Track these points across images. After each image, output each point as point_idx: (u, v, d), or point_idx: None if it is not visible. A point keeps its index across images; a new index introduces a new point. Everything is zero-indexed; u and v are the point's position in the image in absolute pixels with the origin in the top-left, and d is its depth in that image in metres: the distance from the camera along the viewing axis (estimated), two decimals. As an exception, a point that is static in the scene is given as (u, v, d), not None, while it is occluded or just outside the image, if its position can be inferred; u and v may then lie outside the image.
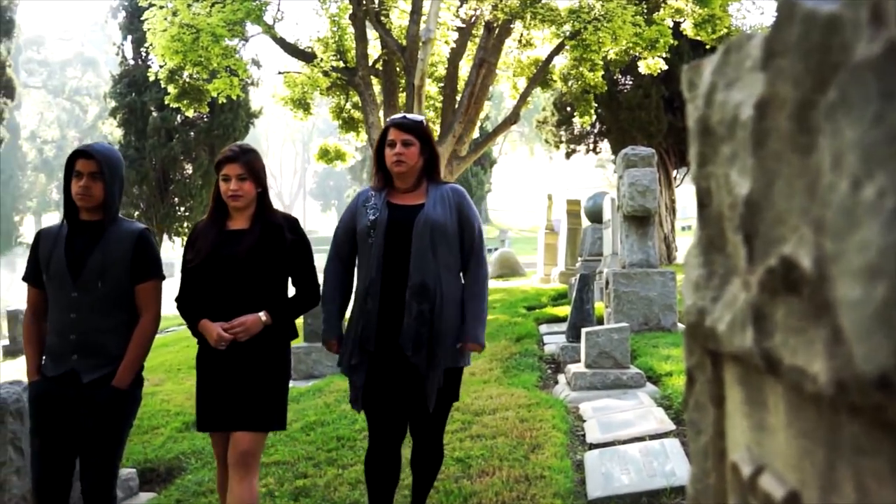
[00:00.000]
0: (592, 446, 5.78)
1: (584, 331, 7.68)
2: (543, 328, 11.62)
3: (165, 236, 28.54)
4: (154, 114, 27.82)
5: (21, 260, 58.00)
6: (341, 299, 4.18)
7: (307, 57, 18.41)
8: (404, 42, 17.26)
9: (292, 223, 4.09)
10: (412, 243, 3.94)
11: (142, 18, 18.28)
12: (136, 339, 3.89)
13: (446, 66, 19.00)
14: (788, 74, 0.64)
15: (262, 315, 3.91)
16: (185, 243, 4.18)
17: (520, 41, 19.48)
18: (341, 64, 18.64)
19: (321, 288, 4.19)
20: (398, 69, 18.37)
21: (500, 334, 10.78)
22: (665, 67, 18.72)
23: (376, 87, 18.41)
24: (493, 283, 20.99)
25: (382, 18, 17.66)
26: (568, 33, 17.15)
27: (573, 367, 7.76)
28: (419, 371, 3.96)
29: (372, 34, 18.45)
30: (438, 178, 4.19)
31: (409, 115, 4.13)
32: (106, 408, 3.80)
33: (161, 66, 18.42)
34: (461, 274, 4.13)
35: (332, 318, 4.18)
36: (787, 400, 0.68)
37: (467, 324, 4.05)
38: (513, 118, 19.24)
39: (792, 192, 0.63)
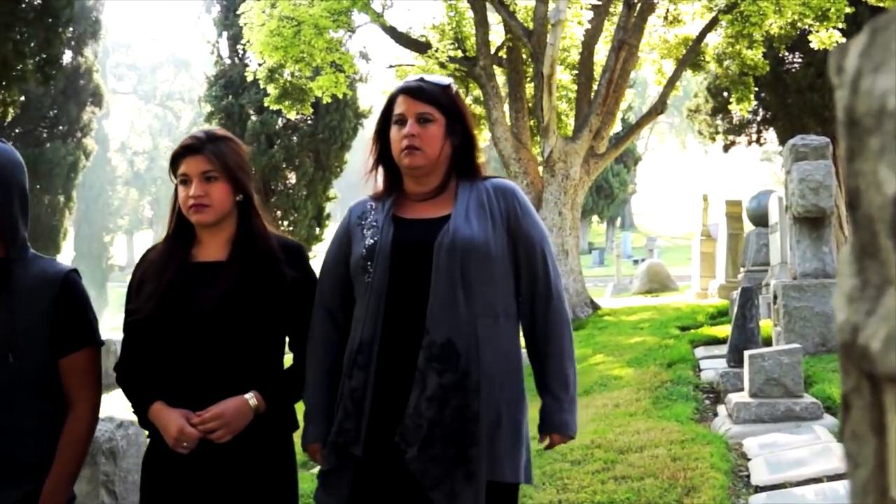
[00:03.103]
0: (759, 489, 5.67)
1: (747, 354, 7.55)
2: (700, 351, 11.45)
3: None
4: (253, 117, 28.67)
5: (115, 287, 59.33)
6: (331, 377, 3.07)
7: (421, 47, 18.68)
8: (531, 25, 17.33)
9: (293, 252, 3.18)
10: (432, 279, 2.90)
11: (238, 13, 18.93)
12: (65, 441, 2.94)
13: (580, 50, 18.97)
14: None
15: (251, 398, 2.97)
16: (129, 283, 3.24)
17: (665, 18, 19.30)
18: (460, 53, 18.85)
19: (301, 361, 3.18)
20: (524, 57, 18.45)
21: (648, 359, 10.69)
22: (842, 40, 18.22)
23: (500, 79, 18.53)
24: (640, 300, 20.82)
25: (506, 0, 17.77)
26: (722, 6, 16.90)
27: (735, 397, 7.63)
28: (435, 488, 2.84)
29: (494, 18, 18.59)
30: (477, 172, 3.17)
31: (427, 76, 3.13)
32: None
33: (259, 65, 19.03)
34: (519, 322, 3.12)
35: (314, 411, 3.09)
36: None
37: (547, 403, 3.09)
38: (659, 107, 19.05)
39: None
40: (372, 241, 3.01)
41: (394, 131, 3.06)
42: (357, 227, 3.12)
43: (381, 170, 3.22)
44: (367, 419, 2.90)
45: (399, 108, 3.05)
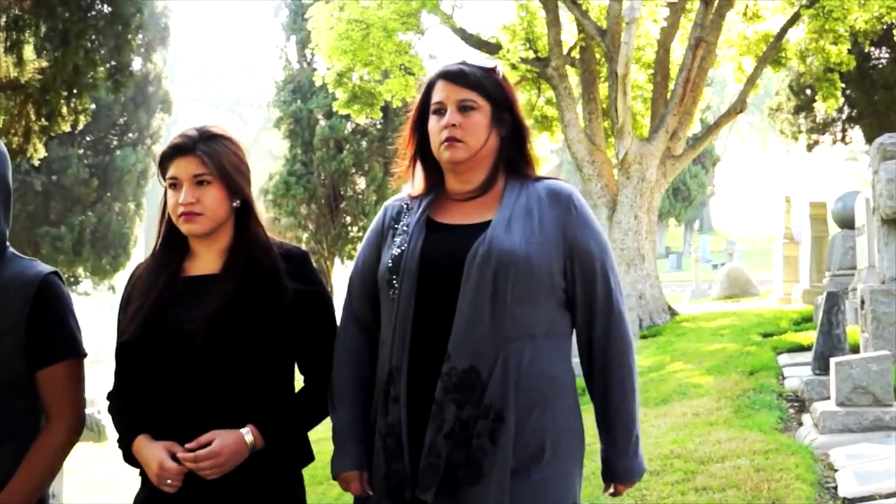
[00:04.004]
0: (846, 501, 5.61)
1: (833, 361, 7.45)
2: (783, 359, 11.31)
3: (337, 261, 29.56)
4: (321, 122, 28.98)
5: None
6: (364, 397, 2.79)
7: (491, 48, 18.72)
8: (605, 24, 17.28)
9: (297, 261, 2.86)
10: (459, 296, 2.61)
11: (305, 17, 19.15)
12: (36, 450, 2.73)
13: (656, 49, 18.86)
14: None
15: (247, 433, 2.68)
16: (120, 300, 2.97)
17: (745, 14, 19.09)
18: (531, 54, 18.86)
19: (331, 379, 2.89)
20: (598, 56, 18.40)
21: (729, 367, 10.58)
22: (929, 35, 17.88)
23: (573, 79, 18.50)
24: (720, 306, 20.60)
25: (578, -2, 17.75)
26: (804, 1, 16.67)
27: (821, 406, 7.53)
28: None
29: (567, 17, 18.57)
30: (529, 168, 2.86)
31: (470, 60, 2.84)
32: None
33: (328, 69, 19.21)
34: (569, 341, 2.80)
35: (345, 432, 2.79)
36: None
37: (609, 448, 2.78)
38: (738, 106, 18.85)
39: None
40: (399, 250, 2.72)
41: (432, 122, 2.78)
42: (390, 231, 2.84)
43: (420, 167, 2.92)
44: (411, 457, 2.61)
45: (438, 96, 2.77)
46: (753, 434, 7.19)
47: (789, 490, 5.69)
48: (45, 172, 25.00)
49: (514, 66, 18.36)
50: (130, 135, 29.04)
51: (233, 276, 2.76)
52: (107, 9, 16.35)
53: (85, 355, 2.84)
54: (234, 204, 2.82)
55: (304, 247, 30.99)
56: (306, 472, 2.94)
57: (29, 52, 14.06)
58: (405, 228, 2.77)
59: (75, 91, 15.60)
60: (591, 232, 2.74)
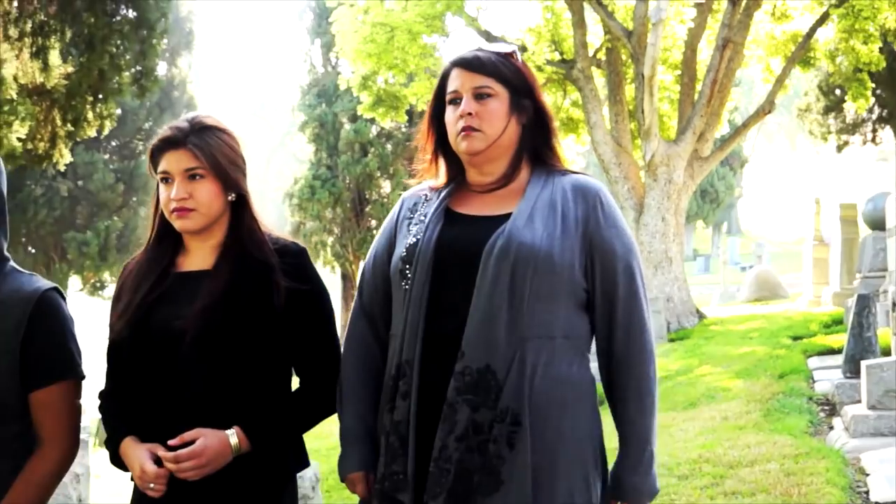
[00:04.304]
0: (879, 506, 5.57)
1: (864, 364, 7.43)
2: (813, 362, 11.25)
3: (362, 264, 29.63)
4: (346, 126, 29.08)
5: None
6: (372, 395, 2.69)
7: (517, 50, 18.72)
8: (631, 25, 17.26)
9: (293, 257, 2.74)
10: (474, 290, 2.50)
11: (330, 20, 19.22)
12: (24, 478, 2.59)
13: (682, 49, 18.81)
14: None
15: (232, 434, 2.58)
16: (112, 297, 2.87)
17: (773, 13, 19.01)
18: (557, 56, 18.86)
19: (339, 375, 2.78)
20: (624, 58, 18.37)
21: (758, 370, 10.55)
22: (961, 33, 17.73)
23: (598, 81, 18.48)
24: (749, 309, 20.52)
25: (604, 0, 17.74)
26: (834, 0, 16.58)
27: (852, 409, 7.50)
28: None
29: (592, 18, 18.55)
30: (555, 158, 2.74)
31: (485, 46, 2.72)
32: None
33: (353, 72, 19.26)
34: (589, 345, 2.65)
35: (351, 431, 2.69)
36: None
37: (619, 461, 2.60)
38: (767, 107, 18.77)
39: None
40: (414, 239, 2.60)
41: (449, 112, 2.65)
42: (405, 222, 2.71)
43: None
44: (413, 461, 2.48)
45: (453, 84, 2.65)
46: (783, 438, 7.17)
47: (820, 495, 5.66)
48: (71, 177, 25.23)
49: (539, 68, 18.37)
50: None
51: (224, 273, 2.66)
52: (132, 13, 16.48)
53: (83, 377, 2.69)
54: (229, 198, 2.73)
55: (328, 251, 31.31)
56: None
57: (54, 57, 14.18)
58: (422, 218, 2.66)
59: (101, 96, 15.74)
60: (616, 230, 2.59)
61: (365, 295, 2.77)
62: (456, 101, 2.62)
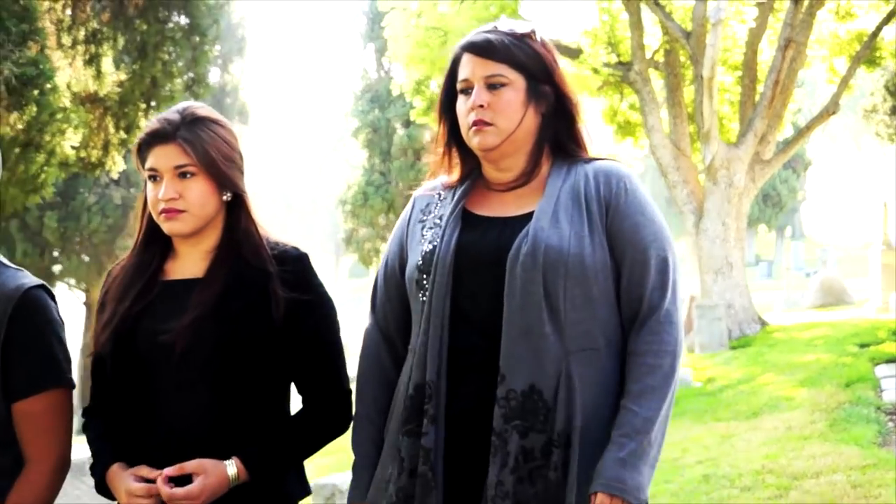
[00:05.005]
0: (950, 519, 5.48)
1: (934, 373, 7.30)
2: (881, 370, 11.09)
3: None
4: (399, 131, 29.27)
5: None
6: (385, 417, 2.52)
7: (572, 53, 18.68)
8: (689, 26, 17.15)
9: (293, 264, 2.51)
10: (504, 303, 2.30)
11: (382, 24, 19.32)
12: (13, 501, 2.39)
13: (743, 50, 18.65)
14: None
15: (231, 465, 2.39)
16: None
17: (836, 12, 18.78)
18: (613, 58, 18.77)
19: (352, 393, 2.59)
20: (683, 59, 18.25)
21: (823, 379, 10.42)
22: None
23: (656, 83, 18.38)
24: (813, 315, 20.28)
25: (661, 0, 17.64)
26: (899, -3, 16.38)
27: (922, 419, 7.39)
28: None
29: (650, 20, 18.47)
30: (580, 149, 2.51)
31: (500, 26, 2.48)
32: None
33: (406, 77, 19.34)
34: (617, 356, 2.41)
35: (368, 458, 2.51)
36: None
37: (607, 450, 2.26)
38: (831, 108, 18.54)
39: None
40: (430, 245, 2.40)
41: (460, 103, 2.44)
42: (418, 225, 2.51)
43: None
44: (443, 493, 2.30)
45: (463, 72, 2.43)
46: (850, 448, 7.09)
47: (888, 507, 5.60)
48: (124, 185, 25.54)
49: (596, 71, 18.32)
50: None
51: (217, 281, 2.44)
52: (184, 20, 16.69)
53: (72, 387, 2.48)
54: (224, 198, 2.51)
55: (381, 258, 31.03)
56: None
57: (107, 65, 14.38)
58: (437, 221, 2.44)
59: (153, 103, 15.93)
60: (641, 218, 2.37)
61: (378, 309, 2.58)
62: (467, 90, 2.42)
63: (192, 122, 2.46)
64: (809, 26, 17.49)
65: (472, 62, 2.40)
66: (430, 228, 2.45)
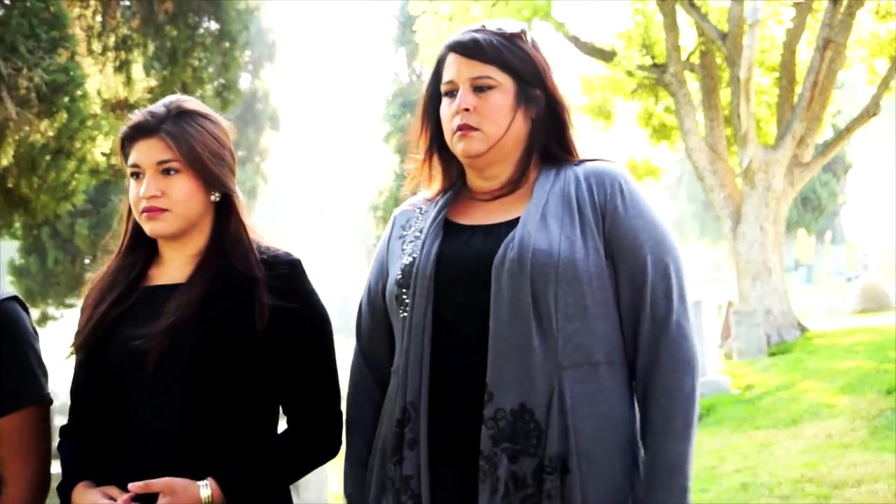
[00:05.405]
0: None
1: (979, 379, 7.23)
2: (924, 377, 11.00)
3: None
4: (431, 136, 29.29)
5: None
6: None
7: (606, 55, 18.67)
8: (725, 27, 17.08)
9: (283, 270, 2.37)
10: (490, 314, 2.15)
11: (414, 28, 19.38)
12: None
13: (781, 51, 18.56)
14: None
15: (205, 487, 2.22)
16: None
17: (876, 12, 18.66)
18: (648, 61, 18.73)
19: (343, 416, 2.45)
20: (719, 61, 18.19)
21: (864, 385, 10.34)
22: None
23: (692, 85, 18.32)
24: (855, 321, 20.13)
25: (697, 1, 17.58)
26: (941, -4, 16.24)
27: (966, 427, 7.32)
28: None
29: (685, 21, 18.42)
30: (570, 154, 2.36)
31: (489, 25, 2.31)
32: None
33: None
34: (623, 376, 2.25)
35: (351, 488, 2.42)
36: None
37: (644, 486, 2.16)
38: (871, 110, 18.41)
39: None
40: (410, 258, 2.26)
41: (444, 106, 2.30)
42: (398, 241, 2.37)
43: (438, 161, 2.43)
44: None
45: (448, 73, 2.29)
46: (892, 457, 7.03)
47: (932, 517, 5.55)
48: (155, 192, 25.80)
49: (630, 74, 18.30)
50: (239, 152, 29.23)
51: (198, 287, 2.29)
52: (214, 26, 16.79)
53: (49, 403, 2.38)
54: (212, 198, 2.37)
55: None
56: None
57: (137, 71, 14.51)
58: (417, 234, 2.31)
59: (185, 109, 16.06)
60: (642, 222, 2.22)
61: (363, 337, 2.44)
62: (452, 92, 2.28)
63: (177, 115, 2.33)
64: (849, 26, 17.37)
65: (458, 62, 2.27)
66: (411, 242, 2.32)
